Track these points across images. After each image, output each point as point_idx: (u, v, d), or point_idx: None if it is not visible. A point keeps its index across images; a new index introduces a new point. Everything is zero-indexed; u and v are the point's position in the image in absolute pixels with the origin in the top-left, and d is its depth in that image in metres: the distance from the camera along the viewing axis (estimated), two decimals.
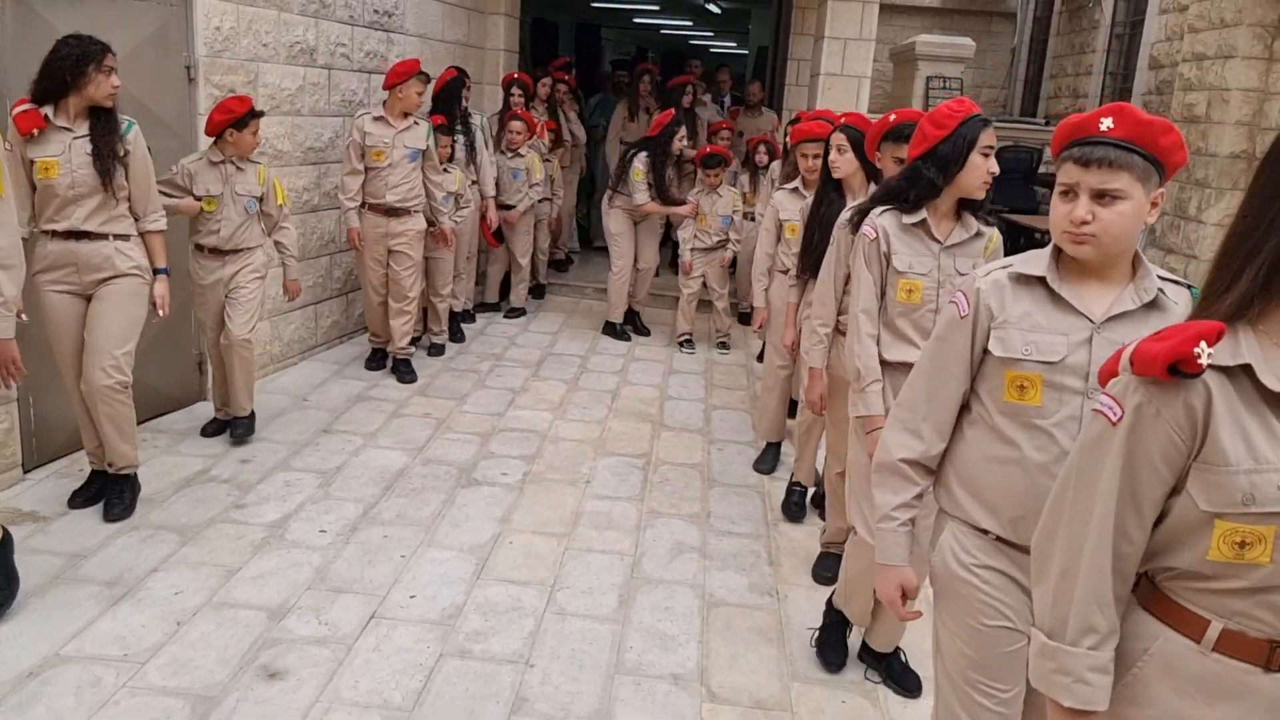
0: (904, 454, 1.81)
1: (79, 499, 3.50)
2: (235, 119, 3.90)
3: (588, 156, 8.57)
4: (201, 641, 2.77)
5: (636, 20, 14.89)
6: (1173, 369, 1.19)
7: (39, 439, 3.76)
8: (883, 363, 2.56)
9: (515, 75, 6.72)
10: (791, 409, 4.41)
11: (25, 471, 3.70)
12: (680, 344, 6.34)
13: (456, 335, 6.13)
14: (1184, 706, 1.28)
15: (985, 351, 1.71)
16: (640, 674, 2.78)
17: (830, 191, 3.46)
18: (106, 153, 3.21)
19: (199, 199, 3.93)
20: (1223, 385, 1.20)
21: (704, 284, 6.24)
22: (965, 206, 2.49)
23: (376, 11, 5.78)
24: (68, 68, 3.12)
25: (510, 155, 6.34)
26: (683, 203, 6.12)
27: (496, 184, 6.26)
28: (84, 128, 3.22)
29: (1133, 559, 1.30)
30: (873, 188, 3.19)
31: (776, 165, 6.09)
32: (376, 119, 4.97)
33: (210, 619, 2.88)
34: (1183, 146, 1.58)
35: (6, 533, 2.88)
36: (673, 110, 6.33)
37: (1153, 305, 1.61)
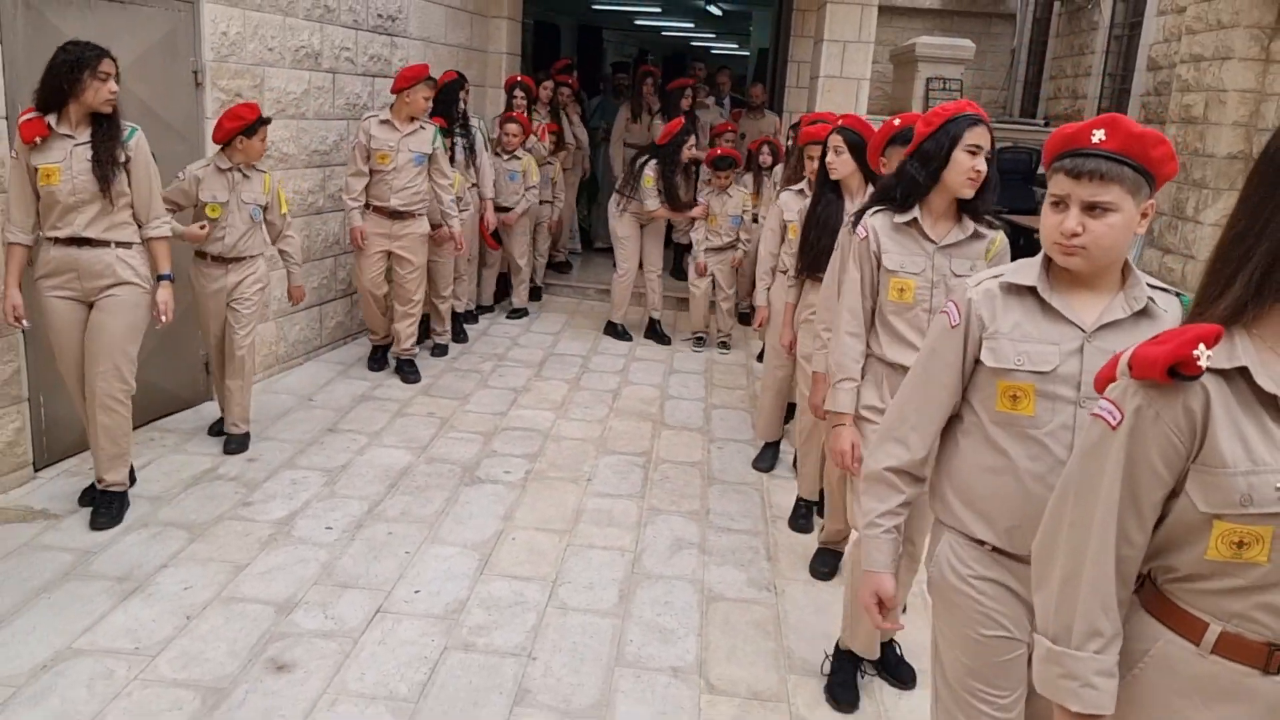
0: (890, 463, 1.82)
1: (89, 497, 3.54)
2: (246, 126, 3.92)
3: (590, 158, 8.60)
4: (211, 635, 2.83)
5: (638, 22, 14.94)
6: (1172, 371, 1.20)
7: (50, 438, 3.82)
8: (884, 363, 2.58)
9: (518, 78, 6.75)
10: (789, 412, 4.45)
11: (36, 470, 3.76)
12: (694, 342, 6.47)
13: (459, 335, 6.18)
14: (1184, 708, 1.30)
15: (977, 362, 1.71)
16: (640, 666, 2.83)
17: (828, 192, 3.48)
18: (106, 159, 3.22)
19: (204, 205, 3.95)
20: (1220, 388, 1.22)
21: (712, 283, 6.31)
22: (965, 208, 2.48)
23: (380, 16, 5.85)
24: (64, 75, 3.13)
25: (506, 157, 6.38)
26: (692, 206, 6.19)
27: (494, 186, 6.31)
28: (85, 134, 3.23)
29: (1134, 561, 1.31)
30: (871, 189, 3.23)
31: (779, 167, 6.13)
32: (383, 122, 5.02)
33: (219, 613, 2.94)
34: (1174, 158, 1.59)
35: None
36: (682, 119, 6.37)
37: (1143, 313, 1.62)
